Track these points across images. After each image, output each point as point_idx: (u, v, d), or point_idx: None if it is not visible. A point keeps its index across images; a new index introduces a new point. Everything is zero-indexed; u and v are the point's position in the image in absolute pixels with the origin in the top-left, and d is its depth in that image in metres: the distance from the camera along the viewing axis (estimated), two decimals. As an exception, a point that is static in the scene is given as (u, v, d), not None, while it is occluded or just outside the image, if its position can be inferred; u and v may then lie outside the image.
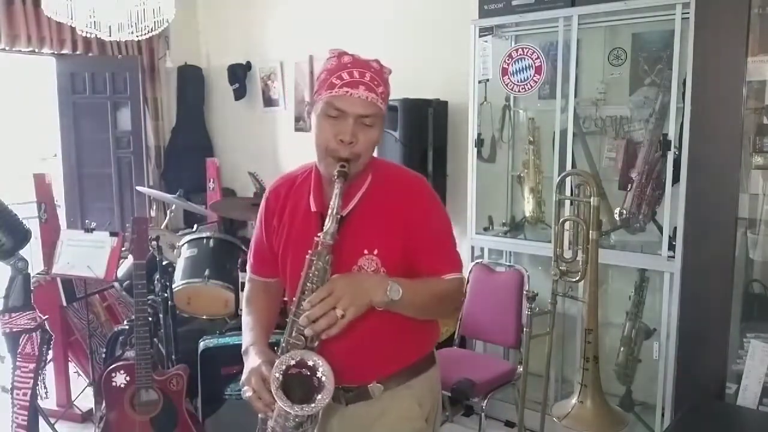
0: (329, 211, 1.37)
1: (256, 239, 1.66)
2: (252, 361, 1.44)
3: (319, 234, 1.37)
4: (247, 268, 1.72)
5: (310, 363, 1.33)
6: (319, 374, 1.33)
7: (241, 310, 2.90)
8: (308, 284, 1.37)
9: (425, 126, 3.63)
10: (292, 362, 1.33)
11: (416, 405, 1.57)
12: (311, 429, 1.41)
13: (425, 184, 1.58)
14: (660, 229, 2.90)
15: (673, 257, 2.77)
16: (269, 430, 1.41)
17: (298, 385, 1.34)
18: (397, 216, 1.47)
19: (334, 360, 1.36)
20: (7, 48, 4.21)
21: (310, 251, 1.38)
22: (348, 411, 1.54)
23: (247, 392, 1.42)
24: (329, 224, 1.36)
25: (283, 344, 1.39)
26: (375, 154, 1.54)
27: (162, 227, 4.26)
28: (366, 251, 1.44)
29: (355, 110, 1.40)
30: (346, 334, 1.34)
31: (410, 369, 1.57)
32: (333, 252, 1.37)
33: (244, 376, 1.45)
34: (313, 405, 1.32)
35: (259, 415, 1.47)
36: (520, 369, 2.86)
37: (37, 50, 4.36)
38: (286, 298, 1.64)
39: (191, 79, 5.21)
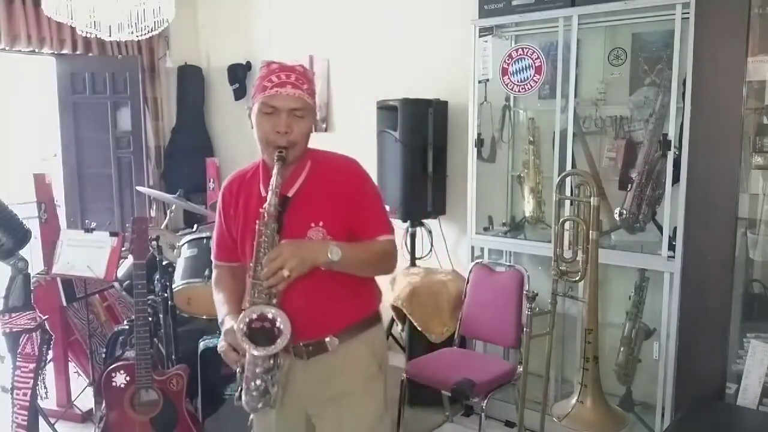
0: (270, 188, 1.63)
1: (218, 230, 1.90)
2: (227, 325, 1.68)
3: (263, 207, 1.62)
4: (212, 257, 1.96)
5: (269, 315, 1.57)
6: (278, 323, 1.56)
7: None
8: (261, 250, 1.61)
9: (425, 126, 3.63)
10: (254, 316, 1.57)
11: (369, 354, 1.83)
12: (278, 373, 1.63)
13: (358, 165, 1.83)
14: (660, 229, 2.90)
15: (673, 257, 2.77)
16: (245, 379, 1.61)
17: (263, 336, 1.56)
18: (337, 192, 1.73)
19: (293, 319, 1.58)
20: (7, 48, 4.21)
21: (257, 221, 1.62)
22: (310, 364, 1.76)
23: (222, 348, 1.65)
24: (270, 197, 1.62)
25: (247, 304, 1.61)
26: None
27: (162, 227, 4.25)
28: (313, 224, 1.70)
29: (286, 105, 1.68)
30: (300, 294, 1.63)
31: (359, 324, 1.81)
32: (285, 227, 1.65)
33: (221, 338, 1.68)
34: (273, 346, 1.54)
35: (237, 371, 1.67)
36: (520, 369, 2.86)
37: (37, 50, 4.36)
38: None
39: (191, 79, 5.22)
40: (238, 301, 1.79)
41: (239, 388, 1.64)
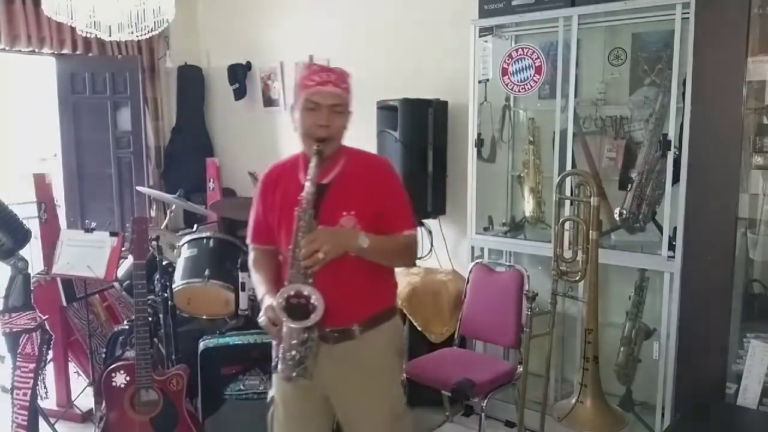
0: (308, 178, 1.80)
1: (255, 216, 2.07)
2: (266, 302, 1.85)
3: (301, 194, 1.79)
4: (248, 240, 2.10)
5: (305, 292, 1.73)
6: (312, 300, 1.72)
7: (241, 309, 2.94)
8: (299, 234, 1.78)
9: (425, 126, 3.62)
10: (291, 292, 1.74)
11: (388, 342, 2.02)
12: (313, 345, 1.77)
13: (389, 163, 2.06)
14: (660, 229, 2.90)
15: (673, 257, 2.77)
16: (281, 350, 1.78)
17: (299, 312, 1.73)
18: (369, 185, 1.92)
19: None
20: (7, 48, 4.21)
21: (296, 208, 1.79)
22: (335, 349, 1.91)
23: (263, 322, 1.82)
24: (308, 186, 1.79)
25: (286, 282, 1.79)
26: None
27: (162, 227, 4.25)
28: (345, 212, 1.87)
29: (327, 101, 1.85)
30: (331, 284, 1.77)
31: (381, 315, 1.99)
32: (320, 215, 1.81)
33: (261, 313, 1.85)
34: (308, 320, 1.71)
35: (273, 344, 1.89)
36: (520, 369, 2.86)
37: (37, 50, 4.36)
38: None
39: (191, 79, 5.21)
40: (274, 280, 1.96)
41: (276, 359, 1.83)
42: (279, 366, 1.80)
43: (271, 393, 2.10)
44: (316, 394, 1.99)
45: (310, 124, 1.86)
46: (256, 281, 2.02)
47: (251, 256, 2.10)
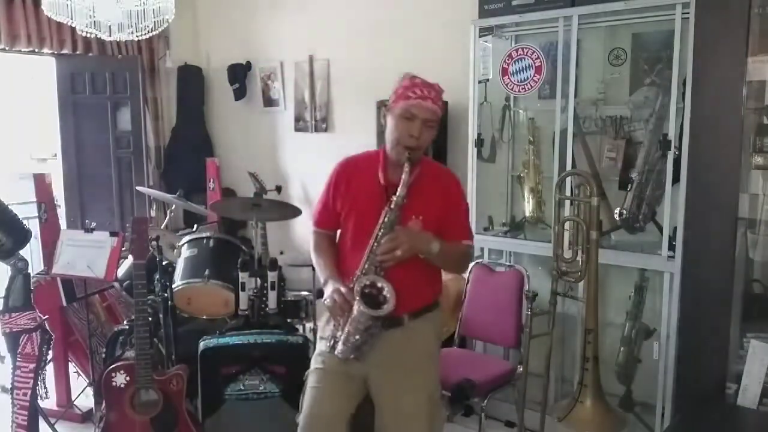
0: (401, 183, 1.96)
1: (323, 200, 2.19)
2: (333, 285, 2.01)
3: (393, 196, 1.96)
4: (312, 223, 2.25)
5: (379, 284, 1.93)
6: (385, 292, 1.92)
7: (241, 309, 2.94)
8: (381, 230, 1.96)
9: (425, 126, 3.62)
10: (368, 282, 1.93)
11: (432, 330, 2.20)
12: (376, 331, 1.96)
13: (456, 177, 2.21)
14: (660, 229, 2.90)
15: (673, 257, 2.77)
16: (345, 332, 1.94)
17: (370, 300, 1.91)
18: (439, 195, 2.08)
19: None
20: (7, 48, 4.21)
21: (386, 207, 1.96)
22: (385, 335, 2.03)
23: (329, 303, 1.98)
24: (401, 190, 1.96)
25: (359, 272, 1.97)
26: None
27: (162, 227, 4.25)
28: (414, 216, 2.02)
29: (423, 115, 1.99)
30: (396, 275, 1.95)
31: (427, 307, 2.16)
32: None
33: (327, 294, 2.00)
34: (380, 310, 1.90)
35: (329, 328, 2.06)
36: (520, 369, 2.86)
37: (37, 50, 4.36)
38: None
39: (191, 79, 5.22)
40: (334, 264, 2.13)
41: (332, 340, 1.99)
42: (339, 347, 1.95)
43: (307, 373, 2.19)
44: (358, 375, 2.10)
45: (404, 132, 1.99)
46: (320, 265, 2.16)
47: (313, 239, 2.24)
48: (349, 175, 2.14)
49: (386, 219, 1.96)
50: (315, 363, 2.16)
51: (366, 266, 1.96)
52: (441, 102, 2.05)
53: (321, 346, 2.13)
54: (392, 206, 1.96)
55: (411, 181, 2.01)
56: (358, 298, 1.90)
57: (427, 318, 2.15)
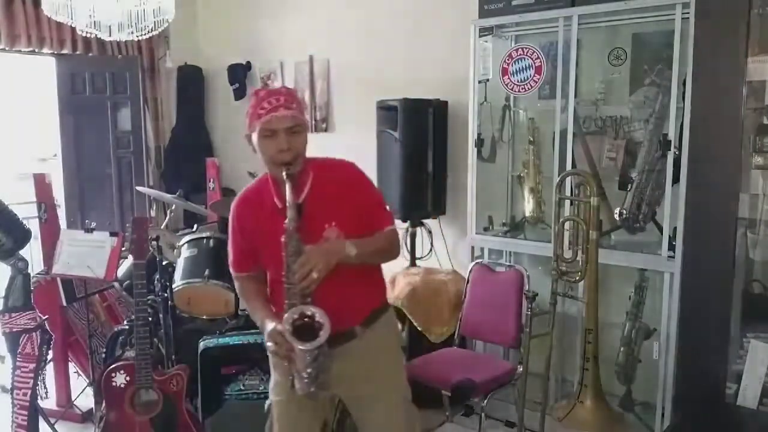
0: (287, 204, 1.83)
1: (235, 245, 2.07)
2: (269, 326, 1.88)
3: (285, 222, 1.82)
4: (232, 270, 2.11)
5: (308, 312, 1.78)
6: (317, 318, 1.77)
7: (241, 309, 2.94)
8: (290, 258, 1.81)
9: (425, 126, 3.63)
10: (296, 316, 1.77)
11: (388, 331, 2.12)
12: (325, 360, 1.82)
13: (354, 166, 2.04)
14: (660, 229, 2.90)
15: (673, 257, 2.77)
16: (296, 373, 1.83)
17: (305, 331, 1.76)
18: (341, 193, 1.95)
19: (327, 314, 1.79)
20: (7, 48, 4.21)
21: (283, 237, 1.82)
22: (341, 350, 1.94)
23: (272, 348, 1.85)
24: (290, 213, 1.82)
25: (286, 306, 1.83)
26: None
27: (162, 227, 4.25)
28: (327, 225, 1.91)
29: (282, 125, 1.86)
30: (327, 292, 1.82)
31: (376, 312, 2.06)
32: (303, 230, 1.84)
33: (266, 339, 1.88)
34: (317, 339, 1.74)
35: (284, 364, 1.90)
36: (520, 369, 2.86)
37: (37, 50, 4.36)
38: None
39: (191, 79, 5.21)
40: (267, 304, 2.03)
41: (291, 377, 1.88)
42: (296, 385, 1.85)
43: (268, 402, 2.13)
44: (325, 396, 2.03)
45: (272, 151, 1.87)
46: (251, 309, 2.07)
47: (238, 285, 2.14)
48: (249, 211, 2.03)
49: (289, 247, 1.82)
50: (275, 394, 2.11)
51: (290, 298, 1.83)
52: (297, 102, 1.92)
53: (276, 375, 2.07)
54: (288, 231, 1.83)
55: (308, 190, 1.92)
56: (290, 336, 1.76)
57: (381, 322, 2.07)
